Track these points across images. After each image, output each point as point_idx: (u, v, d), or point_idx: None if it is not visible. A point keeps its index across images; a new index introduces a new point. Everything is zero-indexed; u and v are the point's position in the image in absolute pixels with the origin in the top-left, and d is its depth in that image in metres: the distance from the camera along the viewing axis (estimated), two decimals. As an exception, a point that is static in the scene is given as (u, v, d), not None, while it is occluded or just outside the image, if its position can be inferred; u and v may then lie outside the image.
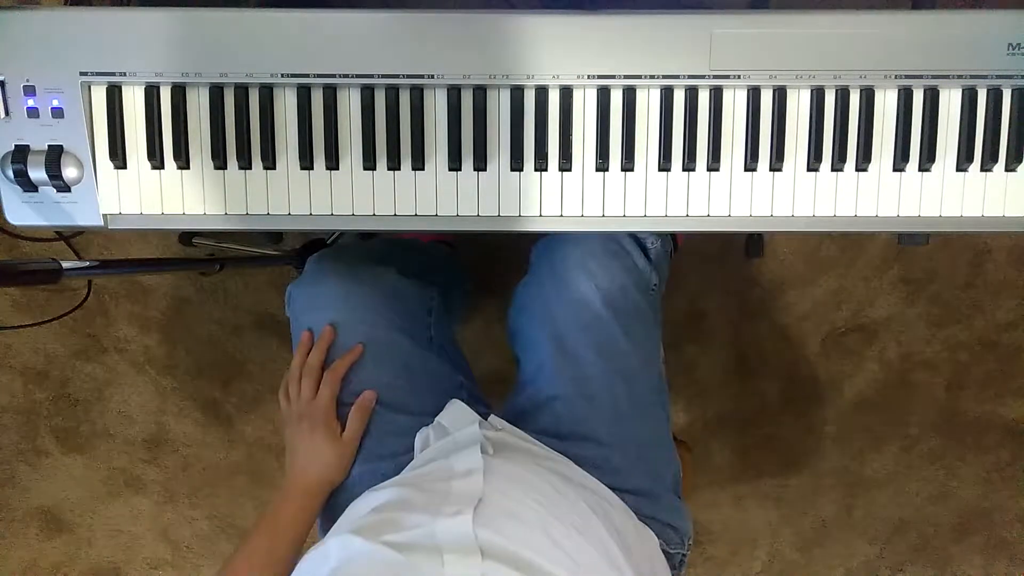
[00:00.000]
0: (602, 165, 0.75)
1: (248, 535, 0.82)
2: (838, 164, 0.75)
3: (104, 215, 0.76)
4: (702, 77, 0.73)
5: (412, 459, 0.84)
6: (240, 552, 0.80)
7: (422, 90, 0.74)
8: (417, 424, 0.87)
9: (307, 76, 0.73)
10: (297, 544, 0.82)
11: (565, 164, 0.75)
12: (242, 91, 0.74)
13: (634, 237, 0.89)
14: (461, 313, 1.33)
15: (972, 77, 0.73)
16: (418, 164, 0.75)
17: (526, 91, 0.74)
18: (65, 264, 0.77)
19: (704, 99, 0.74)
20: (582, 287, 0.86)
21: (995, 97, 0.74)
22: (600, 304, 0.85)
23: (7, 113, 0.72)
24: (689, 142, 0.74)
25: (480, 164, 0.75)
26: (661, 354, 0.93)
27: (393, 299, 0.91)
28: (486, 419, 0.85)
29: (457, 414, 0.86)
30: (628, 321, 0.86)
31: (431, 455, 0.80)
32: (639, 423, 0.87)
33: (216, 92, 0.74)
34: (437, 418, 0.86)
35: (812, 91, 0.74)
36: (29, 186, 0.73)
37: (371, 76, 0.73)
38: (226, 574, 0.78)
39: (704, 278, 1.41)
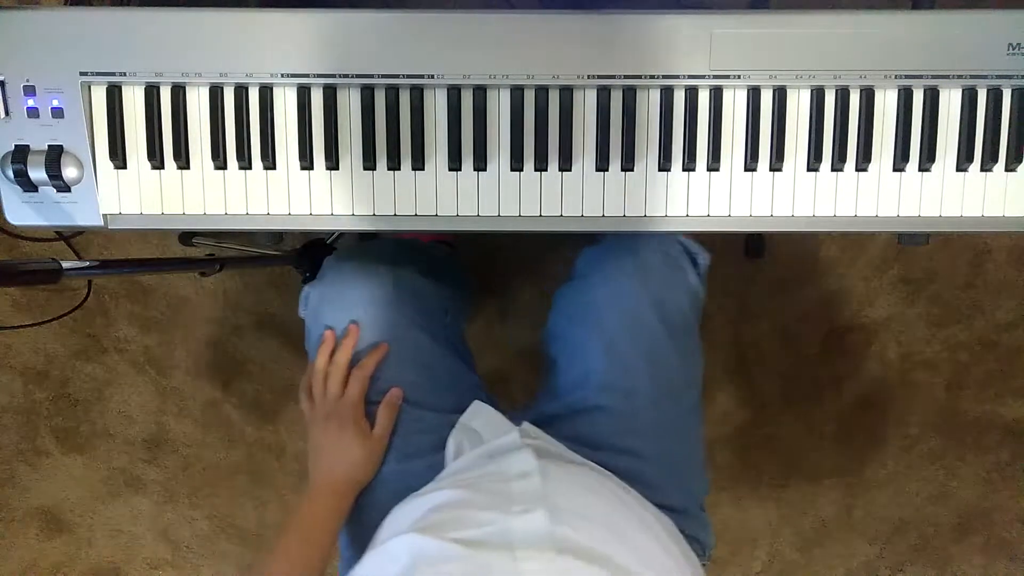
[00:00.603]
0: (602, 165, 0.75)
1: (277, 543, 0.79)
2: (838, 164, 0.75)
3: (104, 215, 0.76)
4: (702, 77, 0.73)
5: (441, 457, 0.84)
6: (272, 561, 0.78)
7: (422, 90, 0.74)
8: (442, 422, 0.86)
9: (307, 76, 0.73)
10: (328, 548, 0.80)
11: (565, 164, 0.75)
12: (242, 91, 0.74)
13: (687, 251, 0.88)
14: (467, 313, 1.33)
15: (972, 77, 0.73)
16: (418, 164, 0.75)
17: (526, 91, 0.74)
18: (65, 264, 0.77)
19: (704, 99, 0.74)
20: (638, 299, 0.84)
21: (995, 97, 0.74)
22: (655, 317, 0.84)
23: (7, 113, 0.72)
24: (689, 142, 0.74)
25: (480, 164, 0.75)
26: (701, 371, 0.92)
27: (413, 298, 0.91)
28: (520, 426, 0.85)
29: (489, 419, 0.86)
30: (679, 336, 0.86)
31: (470, 462, 0.79)
32: (678, 440, 0.87)
33: (216, 92, 0.74)
34: (463, 420, 0.86)
35: (812, 91, 0.74)
36: (29, 186, 0.73)
37: (371, 76, 0.73)
38: None
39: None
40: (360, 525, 0.85)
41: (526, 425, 0.85)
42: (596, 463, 0.81)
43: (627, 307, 0.85)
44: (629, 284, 0.85)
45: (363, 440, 0.83)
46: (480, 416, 0.87)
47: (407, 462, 0.86)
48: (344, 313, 0.88)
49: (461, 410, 0.88)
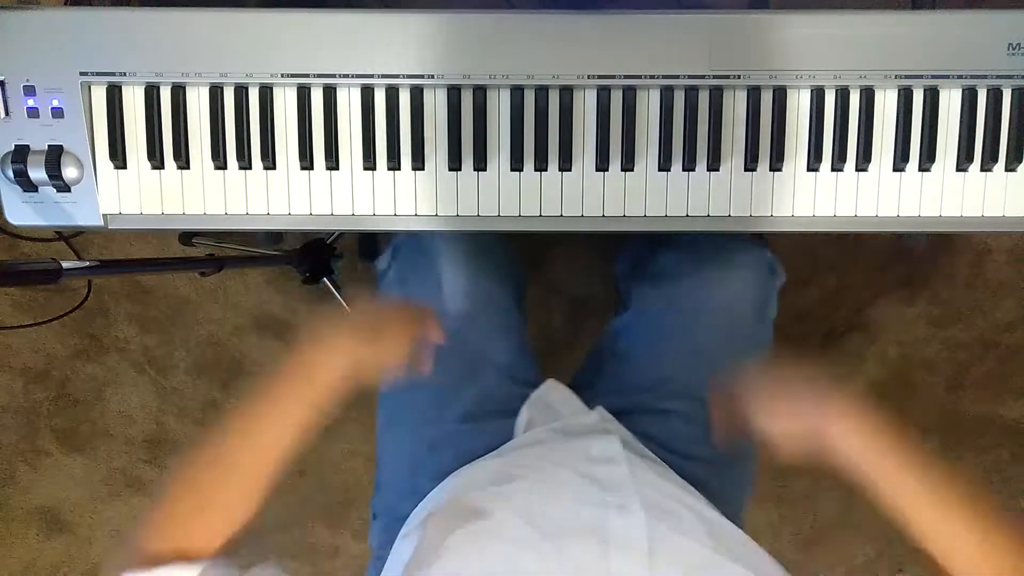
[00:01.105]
0: (602, 165, 0.75)
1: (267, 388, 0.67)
2: (838, 164, 0.75)
3: (104, 215, 0.76)
4: (702, 77, 0.73)
5: (506, 424, 0.83)
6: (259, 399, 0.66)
7: (422, 90, 0.74)
8: (513, 392, 0.85)
9: (307, 76, 0.73)
10: (312, 413, 0.66)
11: (565, 164, 0.75)
12: (242, 91, 0.74)
13: (771, 267, 0.87)
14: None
15: (972, 77, 0.73)
16: (418, 164, 0.75)
17: (526, 91, 0.74)
18: (65, 264, 0.77)
19: (704, 99, 0.74)
20: (735, 309, 0.83)
21: (995, 97, 0.74)
22: (749, 331, 0.82)
23: (7, 113, 0.72)
24: (689, 142, 0.74)
25: (480, 164, 0.75)
26: None
27: (499, 265, 0.88)
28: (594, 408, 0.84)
29: (565, 397, 0.85)
30: (760, 346, 0.85)
31: (543, 435, 0.79)
32: (742, 454, 0.86)
33: (216, 92, 0.74)
34: (537, 394, 0.85)
35: (812, 91, 0.74)
36: (29, 186, 0.73)
37: (371, 76, 0.73)
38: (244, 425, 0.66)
39: (704, 278, 1.41)
40: (417, 477, 0.81)
41: (600, 409, 0.84)
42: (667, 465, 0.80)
43: (722, 317, 0.83)
44: (727, 293, 0.83)
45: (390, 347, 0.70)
46: (556, 392, 0.86)
47: (474, 422, 0.83)
48: (434, 280, 0.82)
49: (529, 382, 0.87)
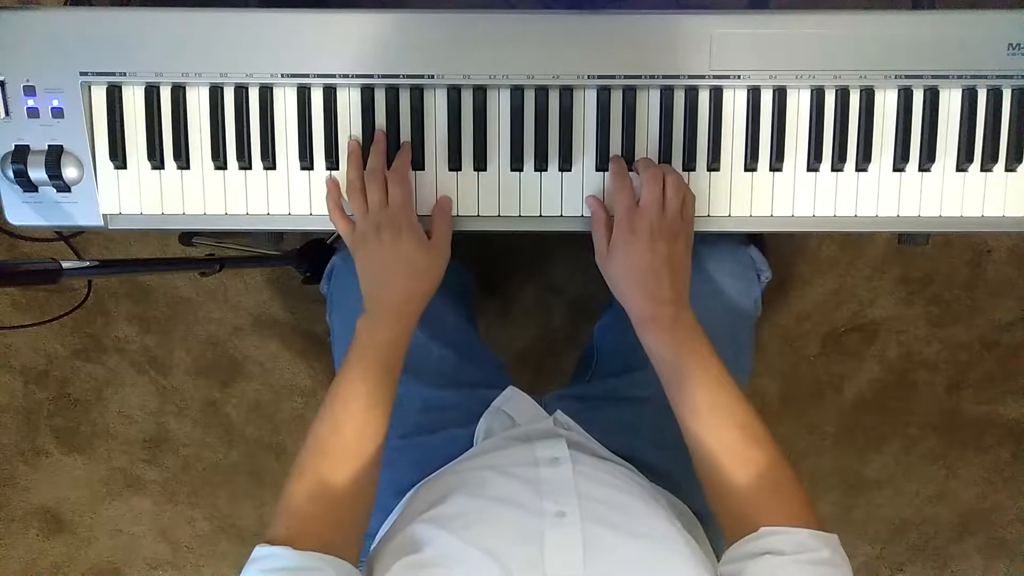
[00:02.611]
0: (602, 165, 0.75)
1: (338, 385, 0.71)
2: (838, 164, 0.75)
3: (104, 215, 0.76)
4: (702, 77, 0.73)
5: (464, 432, 0.84)
6: (339, 404, 0.69)
7: (422, 90, 0.74)
8: (464, 400, 0.85)
9: (307, 76, 0.73)
10: (396, 378, 0.72)
11: (565, 164, 0.75)
12: (242, 91, 0.74)
13: (754, 264, 0.87)
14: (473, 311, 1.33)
15: (972, 77, 0.73)
16: (418, 164, 0.75)
17: (526, 91, 0.74)
18: (65, 264, 0.77)
19: (704, 99, 0.74)
20: (708, 304, 0.81)
21: (995, 97, 0.74)
22: (722, 325, 0.81)
23: (7, 113, 0.72)
24: (689, 142, 0.74)
25: (480, 164, 0.75)
26: (748, 382, 0.91)
27: (445, 289, 0.89)
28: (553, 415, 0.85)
29: (522, 404, 0.86)
30: (740, 348, 0.85)
31: (500, 443, 0.79)
32: None
33: (216, 92, 0.74)
34: (496, 404, 0.86)
35: (812, 91, 0.74)
36: (29, 186, 0.73)
37: (371, 76, 0.73)
38: (325, 431, 0.69)
39: (704, 278, 1.41)
40: (380, 493, 0.82)
41: (559, 414, 0.85)
42: (630, 453, 0.81)
43: (698, 313, 0.84)
44: (701, 289, 0.82)
45: (423, 246, 0.73)
46: (514, 401, 0.86)
47: (430, 433, 0.85)
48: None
49: (487, 384, 0.88)
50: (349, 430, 0.68)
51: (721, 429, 0.67)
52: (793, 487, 0.66)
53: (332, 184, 0.76)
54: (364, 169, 0.74)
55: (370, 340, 0.71)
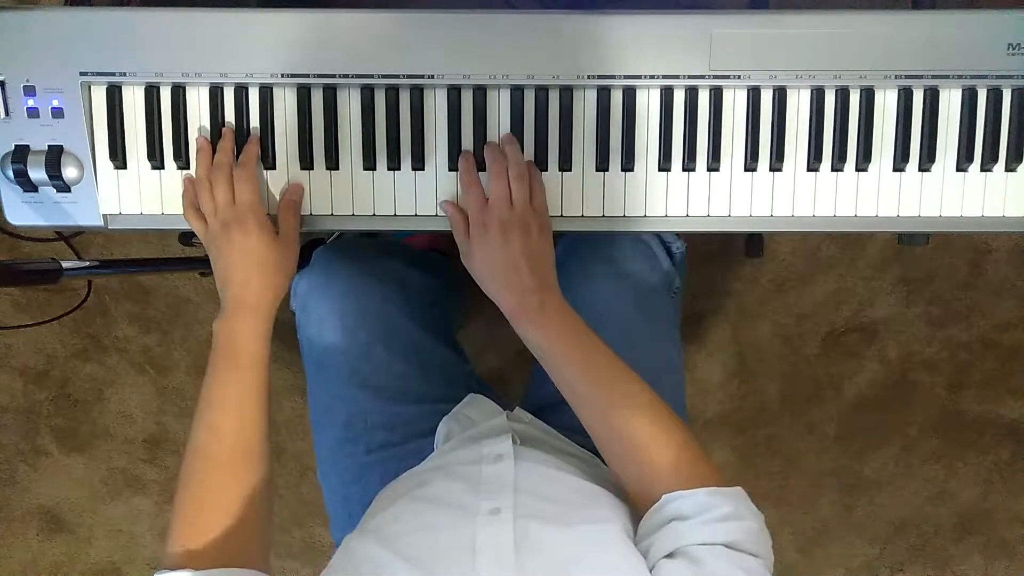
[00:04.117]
0: (602, 165, 0.75)
1: (207, 388, 0.70)
2: (838, 164, 0.75)
3: (104, 215, 0.76)
4: (702, 77, 0.73)
5: (430, 442, 0.84)
6: (209, 410, 0.69)
7: (422, 90, 0.74)
8: (433, 411, 0.86)
9: (307, 76, 0.73)
10: (263, 379, 0.72)
11: (565, 164, 0.75)
12: (242, 91, 0.74)
13: (660, 238, 0.89)
14: (459, 319, 1.33)
15: (972, 77, 0.73)
16: (418, 164, 0.75)
17: (526, 91, 0.74)
18: (65, 264, 0.77)
19: (704, 99, 0.74)
20: (613, 288, 0.85)
21: (995, 97, 0.74)
22: (631, 305, 0.84)
23: (7, 113, 0.72)
24: (689, 142, 0.74)
25: (481, 164, 0.75)
26: (681, 356, 0.93)
27: (401, 288, 0.90)
28: (511, 411, 0.85)
29: (482, 406, 0.86)
30: (656, 323, 0.86)
31: (456, 445, 0.79)
32: None
33: (216, 92, 0.74)
34: (457, 409, 0.86)
35: (812, 91, 0.74)
36: (29, 186, 0.73)
37: (371, 76, 0.73)
38: (203, 438, 0.68)
39: (704, 278, 1.41)
40: (350, 506, 0.85)
41: (518, 410, 0.85)
42: (589, 449, 0.80)
43: (602, 297, 0.85)
44: (604, 275, 0.86)
45: (272, 241, 0.74)
46: (474, 405, 0.87)
47: (398, 446, 0.85)
48: (331, 303, 0.87)
49: (454, 400, 0.88)
50: (227, 432, 0.67)
51: (601, 404, 0.67)
52: (686, 449, 0.65)
53: (188, 183, 0.76)
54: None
55: (229, 337, 0.71)
